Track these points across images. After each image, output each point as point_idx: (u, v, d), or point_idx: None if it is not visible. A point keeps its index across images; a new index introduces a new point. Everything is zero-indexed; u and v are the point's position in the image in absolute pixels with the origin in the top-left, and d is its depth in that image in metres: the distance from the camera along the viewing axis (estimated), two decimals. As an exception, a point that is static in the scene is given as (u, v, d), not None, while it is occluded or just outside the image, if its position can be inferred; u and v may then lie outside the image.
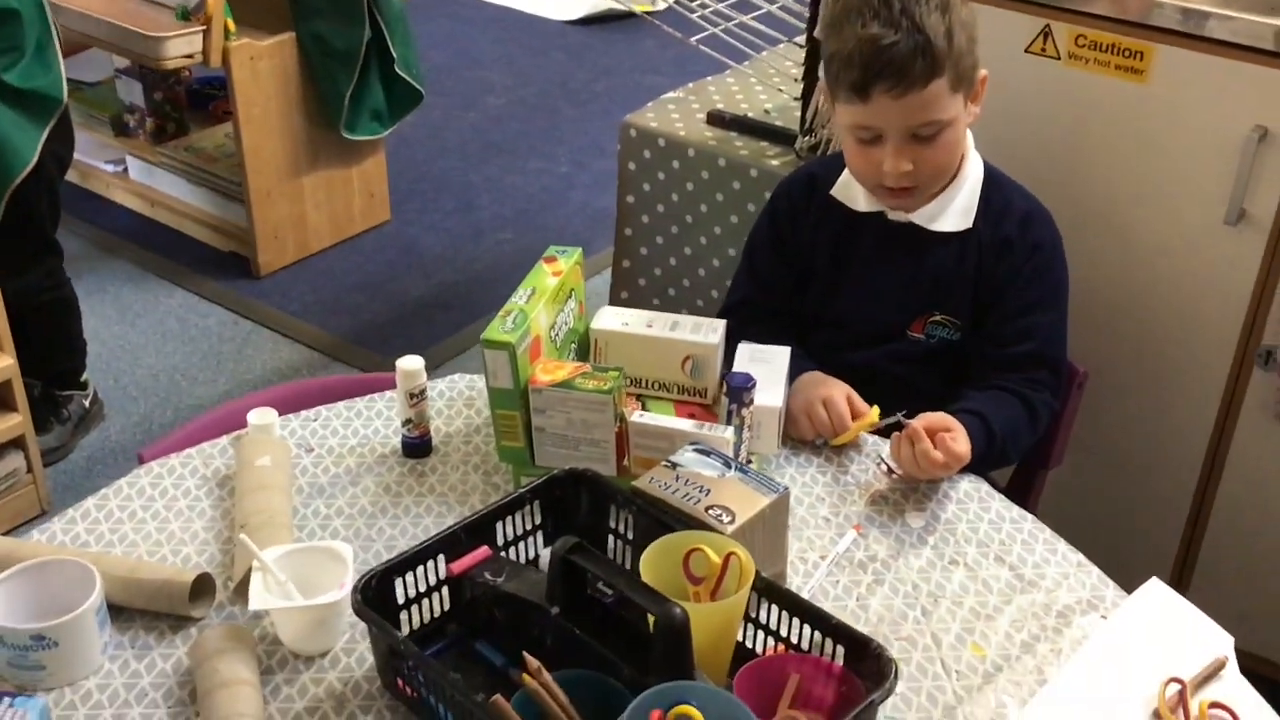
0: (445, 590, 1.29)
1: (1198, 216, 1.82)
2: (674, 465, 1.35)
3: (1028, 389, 1.65)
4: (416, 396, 1.54)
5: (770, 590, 1.23)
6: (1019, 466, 1.83)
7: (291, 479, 1.51)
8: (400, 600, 1.25)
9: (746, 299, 1.80)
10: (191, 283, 3.40)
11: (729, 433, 1.44)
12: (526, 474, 1.51)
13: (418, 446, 1.57)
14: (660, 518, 1.28)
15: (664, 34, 5.31)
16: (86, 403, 2.77)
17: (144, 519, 1.46)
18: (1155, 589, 1.40)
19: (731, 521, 1.27)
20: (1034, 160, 1.80)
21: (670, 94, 2.58)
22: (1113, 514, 2.04)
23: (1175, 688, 1.25)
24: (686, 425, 1.45)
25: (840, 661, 1.18)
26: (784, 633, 1.23)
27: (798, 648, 1.22)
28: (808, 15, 2.24)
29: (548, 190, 3.97)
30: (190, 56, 3.05)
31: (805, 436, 1.58)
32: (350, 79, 3.28)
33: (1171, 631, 1.34)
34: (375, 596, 1.22)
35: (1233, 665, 1.30)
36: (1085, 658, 1.30)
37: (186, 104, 3.71)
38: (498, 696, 1.10)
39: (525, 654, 1.15)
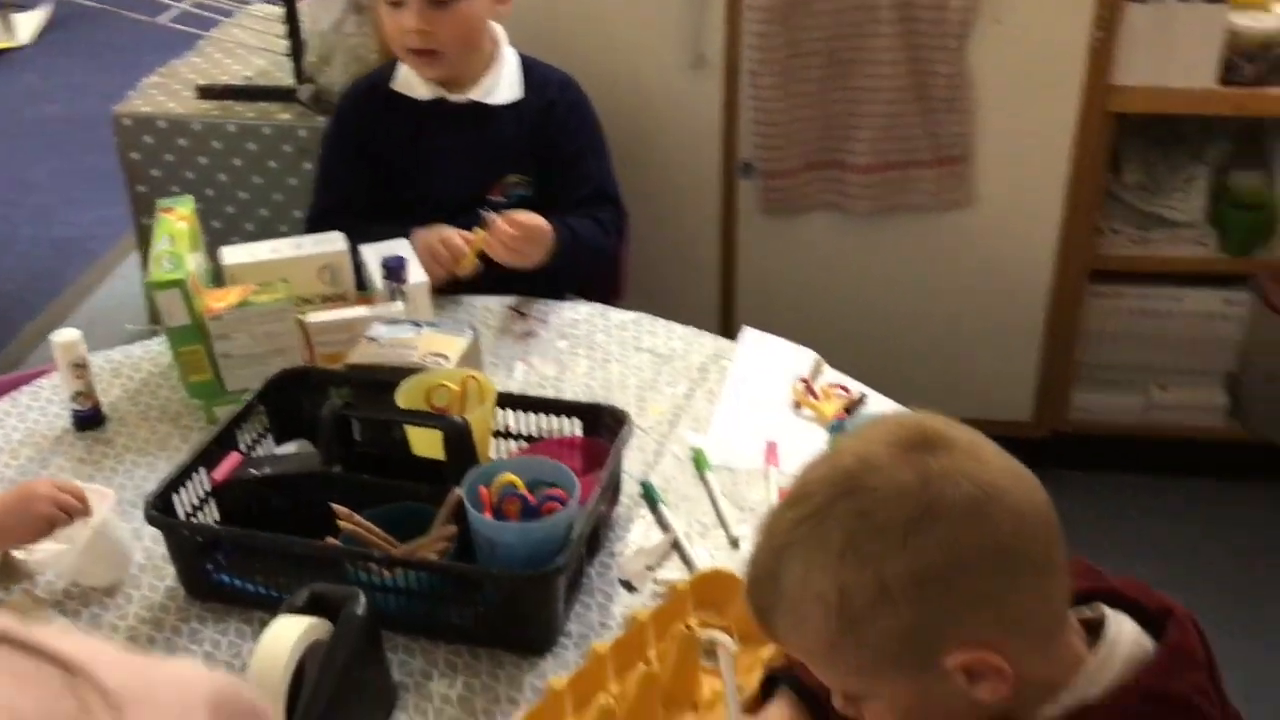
0: (211, 502, 1.38)
1: (666, 66, 2.24)
2: (374, 339, 1.51)
3: (594, 212, 1.97)
4: (81, 367, 1.56)
5: (505, 398, 1.45)
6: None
7: (-18, 478, 1.48)
8: (181, 516, 1.33)
9: (330, 208, 1.97)
10: None
11: (399, 306, 1.62)
12: (219, 403, 1.59)
13: (91, 418, 1.59)
14: (384, 380, 1.45)
15: (42, 64, 5.07)
16: None
17: None
18: (750, 333, 1.78)
19: (448, 361, 1.47)
20: (532, 44, 2.10)
21: (148, 79, 2.60)
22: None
23: (802, 384, 1.64)
24: (361, 311, 1.61)
25: (580, 433, 1.44)
26: (523, 432, 1.46)
27: (538, 439, 1.46)
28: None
29: (-13, 238, 3.73)
30: None
31: (436, 277, 1.76)
32: None
33: (775, 354, 1.73)
34: (162, 511, 1.29)
35: (825, 364, 1.71)
36: (732, 388, 1.65)
37: None
38: (343, 521, 1.25)
39: (333, 505, 1.28)
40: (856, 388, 1.65)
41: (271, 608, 1.27)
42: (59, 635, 0.51)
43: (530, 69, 1.99)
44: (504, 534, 1.20)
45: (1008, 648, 0.84)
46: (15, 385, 1.69)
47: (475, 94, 1.94)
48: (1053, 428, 2.54)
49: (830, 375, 1.69)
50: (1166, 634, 0.91)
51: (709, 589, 1.26)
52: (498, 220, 1.77)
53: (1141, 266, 2.42)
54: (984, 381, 2.49)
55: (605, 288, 2.09)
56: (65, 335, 1.55)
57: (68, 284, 3.44)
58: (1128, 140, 2.41)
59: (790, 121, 2.25)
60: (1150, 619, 0.93)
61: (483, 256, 1.79)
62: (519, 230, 1.77)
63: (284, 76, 2.56)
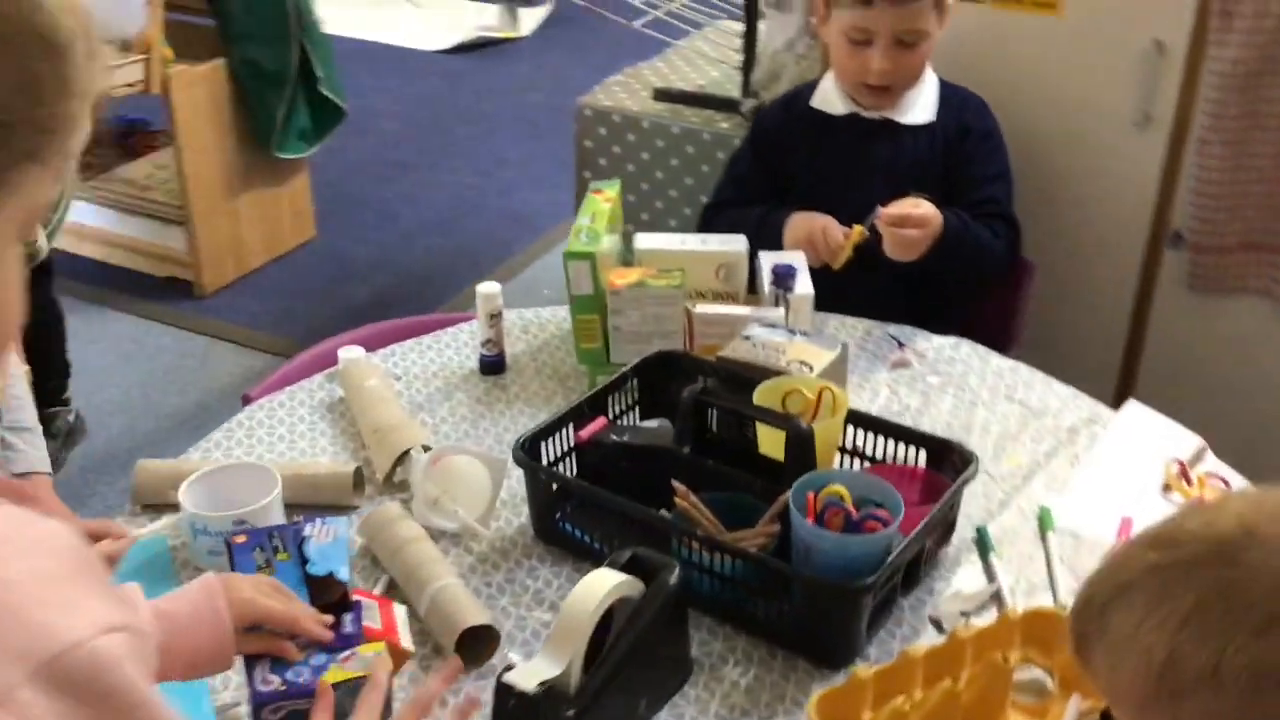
0: (572, 457, 1.50)
1: (1109, 121, 2.17)
2: (748, 338, 1.59)
3: (989, 223, 1.97)
4: (495, 317, 1.75)
5: (857, 417, 1.48)
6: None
7: (397, 396, 1.69)
8: (545, 462, 1.46)
9: (727, 201, 2.10)
10: (137, 309, 3.48)
11: (780, 312, 1.69)
12: (602, 372, 1.72)
13: (496, 363, 1.77)
14: (747, 376, 1.52)
15: (535, 57, 5.58)
16: (71, 418, 2.84)
17: (272, 442, 1.63)
18: (1135, 406, 1.70)
19: (811, 371, 1.52)
20: (973, 86, 2.11)
21: (613, 78, 2.83)
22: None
23: (1176, 466, 1.55)
24: (744, 310, 1.70)
25: (923, 465, 1.45)
26: (868, 453, 1.49)
27: (881, 462, 1.48)
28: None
29: (462, 199, 4.18)
30: (132, 85, 3.16)
31: (810, 263, 1.81)
32: (282, 100, 3.43)
33: (1157, 432, 1.64)
34: (529, 456, 1.43)
35: (1210, 452, 1.61)
36: (1099, 456, 1.59)
37: (109, 141, 3.79)
38: (679, 498, 1.33)
39: (674, 482, 1.37)
40: (1238, 482, 1.54)
41: (602, 561, 1.39)
42: None
43: (946, 90, 2.03)
44: (821, 541, 1.24)
45: None
46: (440, 326, 1.91)
47: (891, 112, 2.00)
48: None
49: (1211, 464, 1.58)
50: None
51: (1039, 626, 1.24)
52: (893, 215, 1.81)
53: None
54: None
55: (997, 331, 2.05)
56: (487, 287, 1.74)
57: (515, 252, 3.80)
58: None
59: (1233, 195, 2.11)
60: None
61: (856, 249, 1.85)
62: (918, 217, 1.81)
63: (732, 89, 2.70)
